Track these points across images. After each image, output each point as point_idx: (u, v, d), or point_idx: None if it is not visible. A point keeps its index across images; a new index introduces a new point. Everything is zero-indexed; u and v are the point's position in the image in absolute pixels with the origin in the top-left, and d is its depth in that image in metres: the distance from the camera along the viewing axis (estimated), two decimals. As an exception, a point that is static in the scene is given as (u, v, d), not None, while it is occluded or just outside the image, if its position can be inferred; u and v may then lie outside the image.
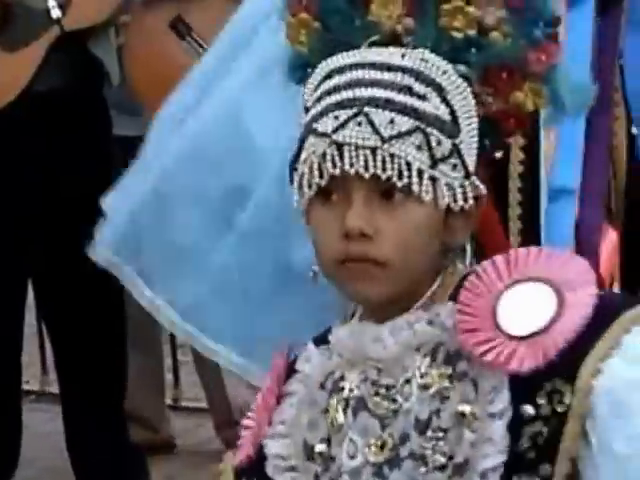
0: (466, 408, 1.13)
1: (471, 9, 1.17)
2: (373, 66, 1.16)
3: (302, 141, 1.17)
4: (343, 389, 1.21)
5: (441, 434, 1.15)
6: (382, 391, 1.19)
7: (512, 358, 1.10)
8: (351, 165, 1.12)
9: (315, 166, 1.13)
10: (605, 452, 1.09)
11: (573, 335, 1.09)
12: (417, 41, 1.18)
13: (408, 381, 1.17)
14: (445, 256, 1.20)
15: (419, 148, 1.13)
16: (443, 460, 1.14)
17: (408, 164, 1.12)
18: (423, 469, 1.15)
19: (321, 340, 1.25)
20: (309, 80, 1.20)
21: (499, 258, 1.17)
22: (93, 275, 2.30)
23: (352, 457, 1.20)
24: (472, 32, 1.19)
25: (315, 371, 1.25)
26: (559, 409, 1.09)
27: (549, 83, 1.20)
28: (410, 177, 1.12)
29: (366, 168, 1.11)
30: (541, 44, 1.21)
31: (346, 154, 1.12)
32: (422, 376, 1.17)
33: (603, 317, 1.11)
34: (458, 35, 1.18)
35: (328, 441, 1.22)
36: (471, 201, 1.15)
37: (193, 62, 2.43)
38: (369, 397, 1.20)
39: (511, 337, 1.12)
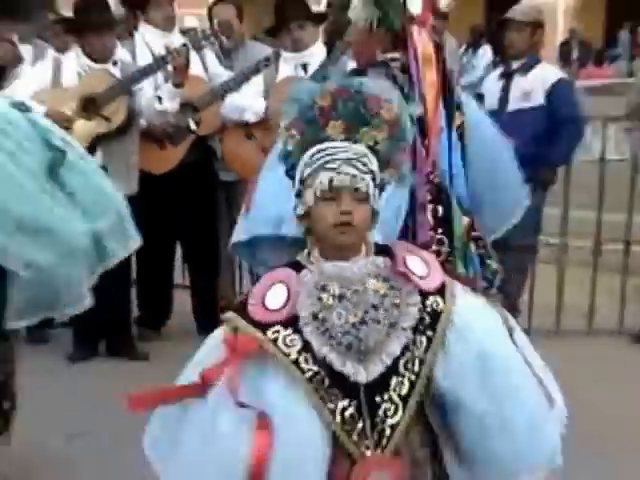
0: (396, 300, 1.76)
1: (374, 132, 1.73)
2: (340, 148, 1.72)
3: (302, 182, 1.73)
4: (329, 290, 1.76)
5: (384, 311, 1.75)
6: (353, 292, 1.76)
7: (419, 282, 1.77)
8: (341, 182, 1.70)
9: (326, 182, 1.69)
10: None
11: (439, 282, 1.80)
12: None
13: (366, 289, 1.76)
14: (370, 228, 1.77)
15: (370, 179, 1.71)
16: (387, 322, 1.75)
17: (367, 185, 1.71)
18: (378, 326, 1.75)
19: (297, 267, 1.79)
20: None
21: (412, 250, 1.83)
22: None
23: (339, 319, 1.74)
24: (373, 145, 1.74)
25: (310, 280, 1.78)
26: (437, 309, 1.78)
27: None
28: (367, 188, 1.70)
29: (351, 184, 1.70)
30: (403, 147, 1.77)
31: (338, 178, 1.70)
32: (374, 286, 1.77)
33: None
34: (377, 147, 1.75)
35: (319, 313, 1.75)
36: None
37: (257, 154, 3.93)
38: (346, 294, 1.75)
39: (418, 276, 1.78)
